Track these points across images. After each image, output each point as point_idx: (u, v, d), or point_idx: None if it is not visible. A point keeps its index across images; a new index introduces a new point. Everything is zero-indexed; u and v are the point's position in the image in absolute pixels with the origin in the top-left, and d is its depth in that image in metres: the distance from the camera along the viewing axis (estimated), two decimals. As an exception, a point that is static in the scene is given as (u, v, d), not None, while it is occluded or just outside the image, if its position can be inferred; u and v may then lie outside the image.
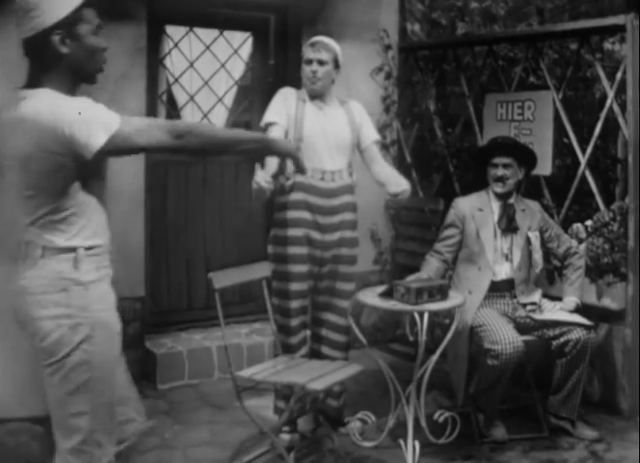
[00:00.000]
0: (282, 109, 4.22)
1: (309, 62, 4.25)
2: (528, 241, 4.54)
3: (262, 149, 2.90)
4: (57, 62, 2.50)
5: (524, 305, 4.49)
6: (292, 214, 4.21)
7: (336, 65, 4.29)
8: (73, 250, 2.51)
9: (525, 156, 4.63)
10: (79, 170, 2.47)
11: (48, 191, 2.47)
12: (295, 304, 4.25)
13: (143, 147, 2.54)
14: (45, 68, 2.50)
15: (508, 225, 4.54)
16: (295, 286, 4.22)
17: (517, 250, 4.52)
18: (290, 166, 4.19)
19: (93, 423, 2.54)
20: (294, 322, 4.27)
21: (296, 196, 4.21)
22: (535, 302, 4.50)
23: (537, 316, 4.43)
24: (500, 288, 4.50)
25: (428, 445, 4.14)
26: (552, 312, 4.46)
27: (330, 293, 4.37)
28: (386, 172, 4.32)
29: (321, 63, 4.23)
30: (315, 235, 4.23)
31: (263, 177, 3.71)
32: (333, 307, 4.38)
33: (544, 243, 4.61)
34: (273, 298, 4.28)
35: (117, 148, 2.45)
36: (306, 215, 4.21)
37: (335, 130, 4.27)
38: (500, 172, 4.53)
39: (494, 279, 4.49)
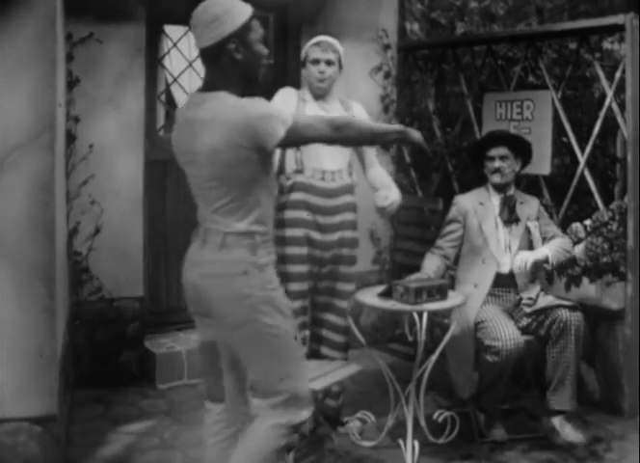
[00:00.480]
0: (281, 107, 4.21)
1: (317, 62, 4.25)
2: (528, 231, 4.55)
3: (402, 140, 3.15)
4: (231, 67, 2.86)
5: (522, 299, 4.49)
6: (292, 214, 4.20)
7: (340, 65, 4.30)
8: (252, 235, 2.86)
9: (521, 147, 4.65)
10: (259, 162, 2.83)
11: (232, 182, 2.83)
12: (295, 304, 4.24)
13: (311, 138, 2.92)
14: (221, 72, 2.87)
15: (509, 216, 4.56)
16: (295, 287, 4.21)
17: (518, 240, 4.54)
18: (290, 166, 4.19)
19: (291, 381, 2.92)
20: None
21: (296, 196, 4.21)
22: (532, 297, 4.50)
23: (528, 309, 4.44)
24: (504, 284, 4.50)
25: (427, 444, 4.15)
26: (541, 301, 4.48)
27: (329, 294, 4.36)
28: (379, 178, 4.33)
29: (329, 63, 4.24)
30: (315, 235, 4.23)
31: None
32: (332, 307, 4.38)
33: (541, 232, 4.62)
34: None
35: (291, 140, 2.82)
36: (305, 215, 4.21)
37: None
38: (497, 163, 4.56)
39: (500, 271, 4.50)
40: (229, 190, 2.83)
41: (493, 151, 4.57)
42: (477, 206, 4.61)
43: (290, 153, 4.23)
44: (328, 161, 4.23)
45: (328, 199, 4.24)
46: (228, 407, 3.12)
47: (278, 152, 4.17)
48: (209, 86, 2.89)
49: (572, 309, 4.33)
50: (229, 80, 2.87)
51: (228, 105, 2.80)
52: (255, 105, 2.80)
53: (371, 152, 4.42)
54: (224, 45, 2.83)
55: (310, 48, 4.29)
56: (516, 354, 4.18)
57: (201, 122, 2.82)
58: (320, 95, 4.30)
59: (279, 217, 4.22)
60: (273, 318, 2.87)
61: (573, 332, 4.29)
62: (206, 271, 2.88)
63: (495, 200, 4.62)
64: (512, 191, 4.63)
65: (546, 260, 4.43)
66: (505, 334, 4.18)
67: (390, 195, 4.12)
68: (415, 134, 3.15)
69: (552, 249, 4.46)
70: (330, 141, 2.99)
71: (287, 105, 4.21)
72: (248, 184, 2.84)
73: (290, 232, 4.19)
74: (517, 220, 4.57)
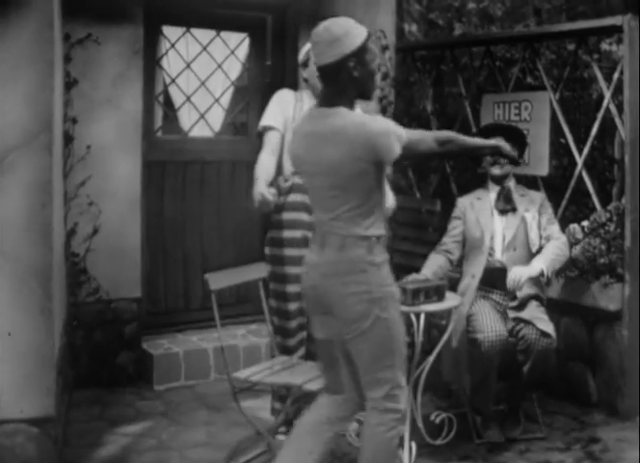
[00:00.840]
0: (279, 113, 4.21)
1: None
2: (524, 222, 4.55)
3: (495, 153, 3.52)
4: (349, 84, 3.07)
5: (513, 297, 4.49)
6: (289, 216, 4.20)
7: None
8: (368, 238, 3.07)
9: (517, 138, 4.64)
10: (375, 174, 3.04)
11: (352, 191, 3.05)
12: (293, 306, 4.25)
13: (422, 153, 3.16)
14: (339, 88, 3.08)
15: (505, 204, 4.59)
16: (292, 288, 4.21)
17: (513, 230, 4.55)
18: (288, 168, 4.19)
19: (397, 372, 3.15)
20: (292, 324, 4.27)
21: (294, 197, 4.21)
22: (516, 297, 4.49)
23: (511, 314, 4.44)
24: (497, 277, 4.50)
25: (425, 445, 4.15)
26: (527, 311, 4.44)
27: None
28: None
29: None
30: None
31: (268, 189, 3.82)
32: None
33: (539, 226, 4.61)
34: (270, 300, 4.27)
35: (405, 155, 3.02)
36: (303, 216, 4.20)
37: None
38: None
39: (492, 260, 4.52)
40: (349, 199, 3.06)
41: None
42: (475, 201, 4.68)
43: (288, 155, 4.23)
44: None
45: None
46: (345, 399, 3.34)
47: (276, 155, 4.19)
48: (328, 101, 3.10)
49: (544, 334, 4.27)
50: (346, 96, 3.08)
51: (350, 121, 3.02)
52: (376, 122, 3.05)
53: None
54: (343, 64, 3.02)
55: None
56: (499, 346, 4.20)
57: (324, 135, 3.03)
58: None
59: (276, 218, 4.22)
60: (388, 313, 3.09)
61: (534, 356, 4.25)
62: (327, 271, 3.11)
63: (493, 193, 4.66)
64: (511, 183, 4.65)
65: (542, 274, 4.40)
66: (488, 326, 4.22)
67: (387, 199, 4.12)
68: (507, 147, 3.47)
69: (547, 259, 4.41)
70: (436, 155, 3.43)
71: (283, 108, 4.22)
72: (366, 194, 3.06)
73: (288, 234, 4.19)
74: (513, 209, 4.58)
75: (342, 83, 3.07)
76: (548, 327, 4.31)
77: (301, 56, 4.32)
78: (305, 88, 4.39)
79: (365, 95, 3.17)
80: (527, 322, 4.33)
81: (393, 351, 3.13)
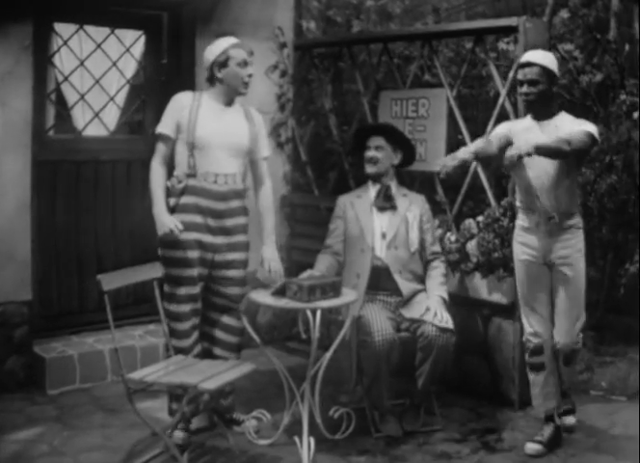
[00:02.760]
0: (172, 119, 4.21)
1: (245, 64, 4.24)
2: (406, 221, 4.61)
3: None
4: None
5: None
6: (183, 218, 4.15)
7: None
8: None
9: (399, 140, 4.74)
10: None
11: None
12: (185, 308, 4.21)
13: None
14: None
15: (384, 202, 4.64)
16: (185, 290, 4.19)
17: (394, 229, 4.60)
18: (182, 169, 4.16)
19: None
20: (185, 326, 4.24)
21: (187, 199, 4.17)
22: (402, 295, 4.55)
23: (406, 315, 4.49)
24: (387, 287, 4.55)
25: (324, 441, 4.17)
26: (422, 306, 4.49)
27: (221, 296, 4.33)
28: (264, 212, 4.45)
29: (251, 64, 4.27)
30: (206, 239, 4.20)
31: (174, 222, 4.00)
32: (225, 309, 4.34)
33: (420, 230, 4.66)
34: (164, 302, 4.23)
35: None
36: (197, 219, 4.17)
37: (234, 134, 4.26)
38: (371, 153, 4.67)
39: (375, 258, 4.56)
40: None
41: (370, 142, 4.69)
42: (354, 199, 4.73)
43: (183, 157, 4.20)
44: (222, 164, 4.21)
45: (220, 202, 4.21)
46: None
47: (167, 162, 4.22)
48: None
49: (442, 330, 4.33)
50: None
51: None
52: None
53: (263, 166, 4.45)
54: None
55: (234, 50, 4.22)
56: (387, 348, 4.25)
57: None
58: (232, 99, 4.30)
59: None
60: None
61: (435, 351, 4.31)
62: None
63: (373, 191, 4.71)
64: (390, 182, 4.70)
65: (445, 301, 4.52)
66: (375, 328, 4.26)
67: (272, 266, 4.32)
68: None
69: (441, 289, 4.56)
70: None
71: (178, 114, 4.19)
72: None
73: (181, 236, 4.14)
74: (393, 207, 4.64)
75: None
76: (448, 322, 4.36)
77: (212, 55, 4.24)
78: (206, 88, 4.33)
79: None
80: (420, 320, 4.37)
81: None
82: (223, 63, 4.22)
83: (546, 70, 4.13)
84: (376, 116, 5.72)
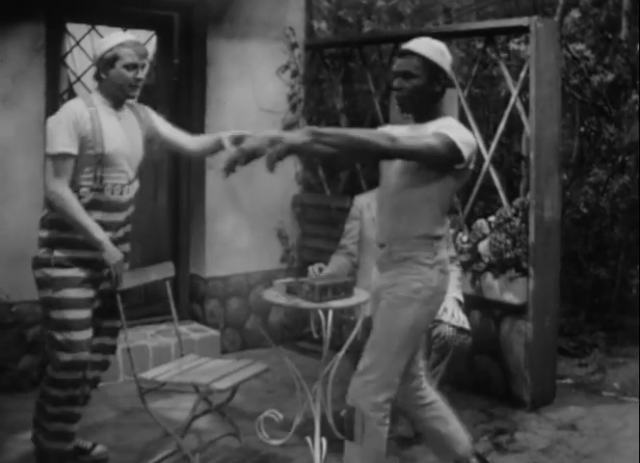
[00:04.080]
0: (73, 134, 3.69)
1: (133, 66, 3.78)
2: None
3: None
4: None
5: None
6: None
7: None
8: None
9: None
10: None
11: None
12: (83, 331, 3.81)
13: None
14: None
15: None
16: (81, 314, 3.80)
17: None
18: (85, 184, 3.75)
19: None
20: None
21: (92, 216, 3.75)
22: None
23: None
24: None
25: (335, 441, 4.15)
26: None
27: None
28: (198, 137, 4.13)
29: (143, 68, 3.88)
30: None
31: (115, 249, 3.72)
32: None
33: None
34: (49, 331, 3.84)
35: None
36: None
37: (133, 139, 3.90)
38: None
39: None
40: None
41: None
42: (372, 202, 4.66)
43: (87, 170, 3.74)
44: (127, 173, 3.87)
45: (120, 213, 3.88)
46: None
47: (69, 170, 3.71)
48: None
49: (459, 331, 4.32)
50: None
51: None
52: None
53: (169, 126, 4.09)
54: None
55: (121, 49, 3.75)
56: None
57: None
58: (121, 102, 3.87)
59: (68, 236, 3.79)
60: None
61: (451, 352, 4.30)
62: None
63: None
64: None
65: (461, 303, 4.48)
66: None
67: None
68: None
69: (457, 291, 4.49)
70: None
71: (79, 126, 3.69)
72: None
73: (82, 254, 3.79)
74: None
75: None
76: (465, 323, 4.36)
77: (99, 51, 3.79)
78: (95, 89, 3.89)
79: None
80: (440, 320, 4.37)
81: None
82: (109, 61, 3.75)
83: (426, 62, 3.29)
84: (387, 116, 5.71)
